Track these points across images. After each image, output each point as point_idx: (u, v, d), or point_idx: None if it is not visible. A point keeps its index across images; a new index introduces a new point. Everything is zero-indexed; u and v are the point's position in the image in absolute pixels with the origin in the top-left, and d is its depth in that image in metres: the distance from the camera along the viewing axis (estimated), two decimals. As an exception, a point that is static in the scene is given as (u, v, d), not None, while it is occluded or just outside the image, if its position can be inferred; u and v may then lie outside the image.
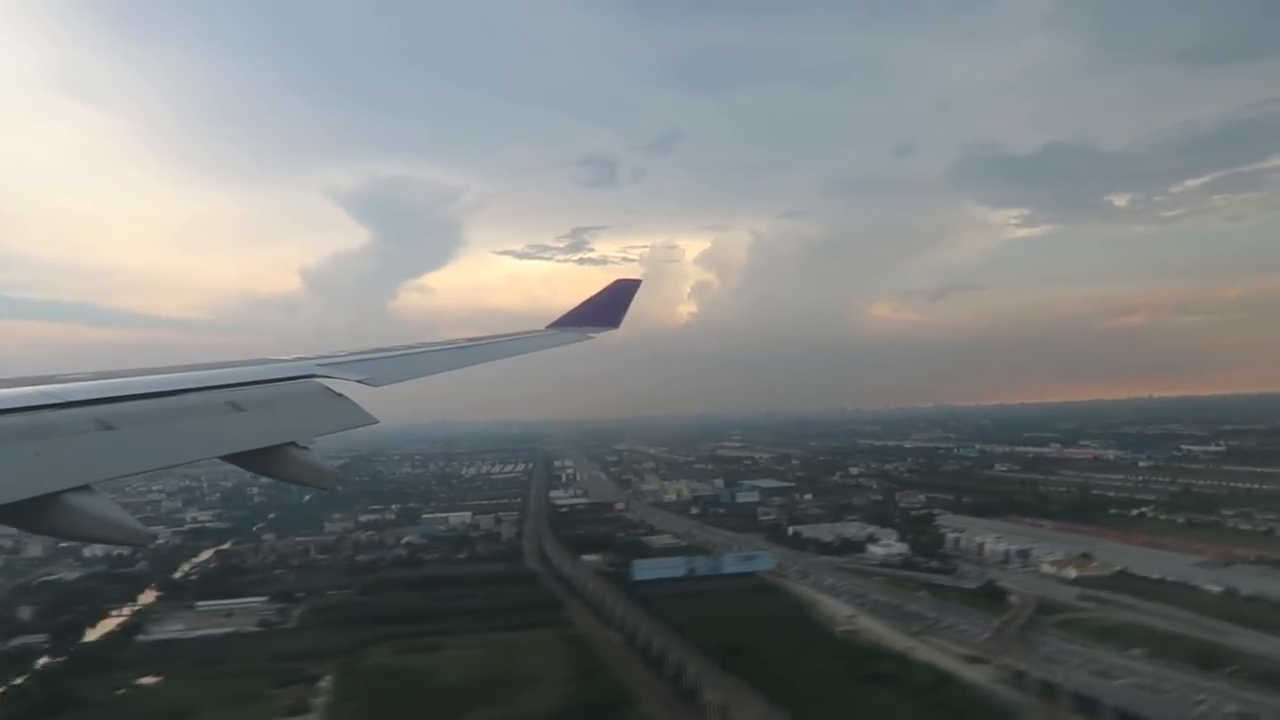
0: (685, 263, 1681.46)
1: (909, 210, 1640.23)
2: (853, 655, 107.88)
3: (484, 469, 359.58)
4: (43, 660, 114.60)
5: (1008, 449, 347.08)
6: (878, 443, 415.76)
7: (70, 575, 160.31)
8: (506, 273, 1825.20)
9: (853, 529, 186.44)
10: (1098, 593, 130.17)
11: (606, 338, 22.07)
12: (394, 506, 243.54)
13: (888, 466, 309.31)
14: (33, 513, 5.68)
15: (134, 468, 6.92)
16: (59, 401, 6.84)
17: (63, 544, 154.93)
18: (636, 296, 23.86)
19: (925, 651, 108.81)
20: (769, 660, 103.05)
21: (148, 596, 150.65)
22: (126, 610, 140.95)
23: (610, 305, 23.01)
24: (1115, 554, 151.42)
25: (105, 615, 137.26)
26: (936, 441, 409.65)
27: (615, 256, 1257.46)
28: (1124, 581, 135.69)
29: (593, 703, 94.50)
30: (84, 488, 5.99)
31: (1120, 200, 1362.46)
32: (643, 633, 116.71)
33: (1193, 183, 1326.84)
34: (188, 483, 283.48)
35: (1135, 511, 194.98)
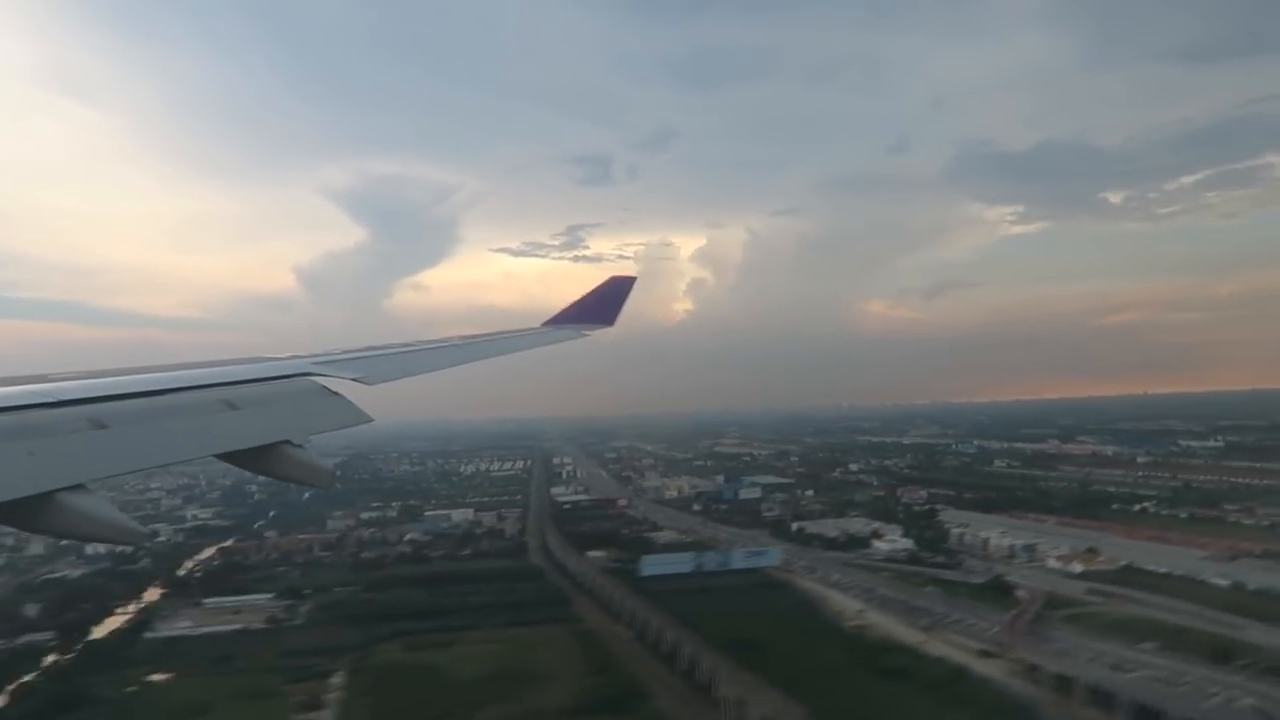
0: (680, 260, 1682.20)
1: (904, 207, 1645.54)
2: (865, 650, 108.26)
3: (483, 466, 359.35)
4: (51, 657, 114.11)
5: (1006, 445, 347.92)
6: (875, 439, 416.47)
7: (73, 573, 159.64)
8: (501, 270, 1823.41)
9: (857, 524, 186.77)
10: (1105, 587, 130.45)
11: (602, 335, 22.07)
12: (395, 503, 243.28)
13: (887, 463, 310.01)
14: (27, 512, 5.64)
15: (128, 466, 6.87)
16: (52, 400, 6.80)
17: (64, 542, 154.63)
18: (632, 294, 23.88)
19: (937, 646, 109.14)
20: (782, 655, 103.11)
21: (152, 594, 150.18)
22: (132, 607, 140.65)
23: (605, 303, 22.96)
24: (1120, 549, 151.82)
25: (111, 612, 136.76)
26: (934, 438, 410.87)
27: (610, 254, 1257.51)
28: (1131, 576, 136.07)
29: (608, 698, 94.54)
30: (78, 486, 5.95)
31: (1114, 197, 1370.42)
32: (653, 628, 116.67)
33: (1187, 180, 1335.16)
34: (186, 480, 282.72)
35: (1137, 507, 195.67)
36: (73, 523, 5.82)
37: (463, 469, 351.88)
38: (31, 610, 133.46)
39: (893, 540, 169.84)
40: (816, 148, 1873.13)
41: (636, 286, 24.21)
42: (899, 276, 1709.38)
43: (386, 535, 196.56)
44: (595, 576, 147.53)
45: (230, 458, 7.84)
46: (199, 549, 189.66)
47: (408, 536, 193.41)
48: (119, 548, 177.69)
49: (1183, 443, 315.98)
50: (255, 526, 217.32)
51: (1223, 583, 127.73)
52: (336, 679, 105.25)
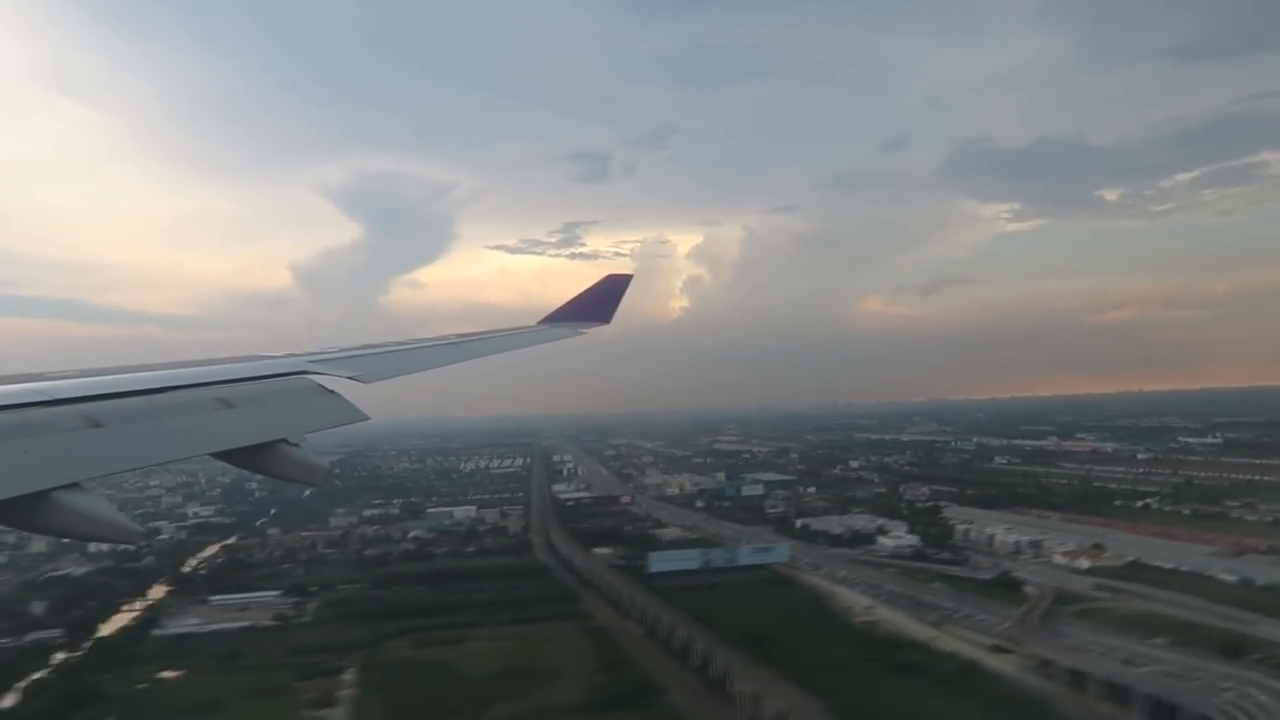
0: (677, 257, 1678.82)
1: (900, 205, 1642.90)
2: (876, 645, 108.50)
3: (482, 464, 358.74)
4: (60, 655, 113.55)
5: (1005, 442, 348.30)
6: (874, 436, 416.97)
7: (77, 570, 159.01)
8: (498, 268, 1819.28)
9: (861, 521, 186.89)
10: (1113, 583, 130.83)
11: (598, 333, 22.06)
12: (396, 501, 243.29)
13: (887, 460, 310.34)
14: (23, 511, 5.62)
15: (124, 465, 6.87)
16: (48, 399, 6.79)
17: (65, 540, 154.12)
18: (628, 291, 23.90)
19: (948, 642, 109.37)
20: (794, 650, 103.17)
21: (157, 591, 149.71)
22: (138, 605, 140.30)
23: (601, 301, 22.97)
24: (1126, 545, 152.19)
25: (116, 610, 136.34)
26: (932, 435, 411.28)
27: (607, 251, 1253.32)
28: (1138, 572, 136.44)
29: (622, 694, 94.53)
30: (74, 485, 5.93)
31: (1110, 195, 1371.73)
32: (664, 624, 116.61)
33: (1182, 177, 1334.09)
34: (185, 478, 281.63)
35: (1140, 503, 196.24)
36: (69, 521, 5.82)
37: (462, 466, 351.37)
38: (38, 608, 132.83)
39: (898, 536, 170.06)
40: (813, 145, 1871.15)
41: (633, 284, 24.30)
42: (895, 274, 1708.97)
43: (390, 532, 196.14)
44: (602, 573, 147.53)
45: (226, 456, 7.85)
46: (202, 546, 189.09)
47: (411, 534, 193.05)
48: (121, 546, 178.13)
49: (1182, 439, 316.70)
50: (257, 524, 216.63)
51: (1230, 578, 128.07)
52: (347, 676, 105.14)
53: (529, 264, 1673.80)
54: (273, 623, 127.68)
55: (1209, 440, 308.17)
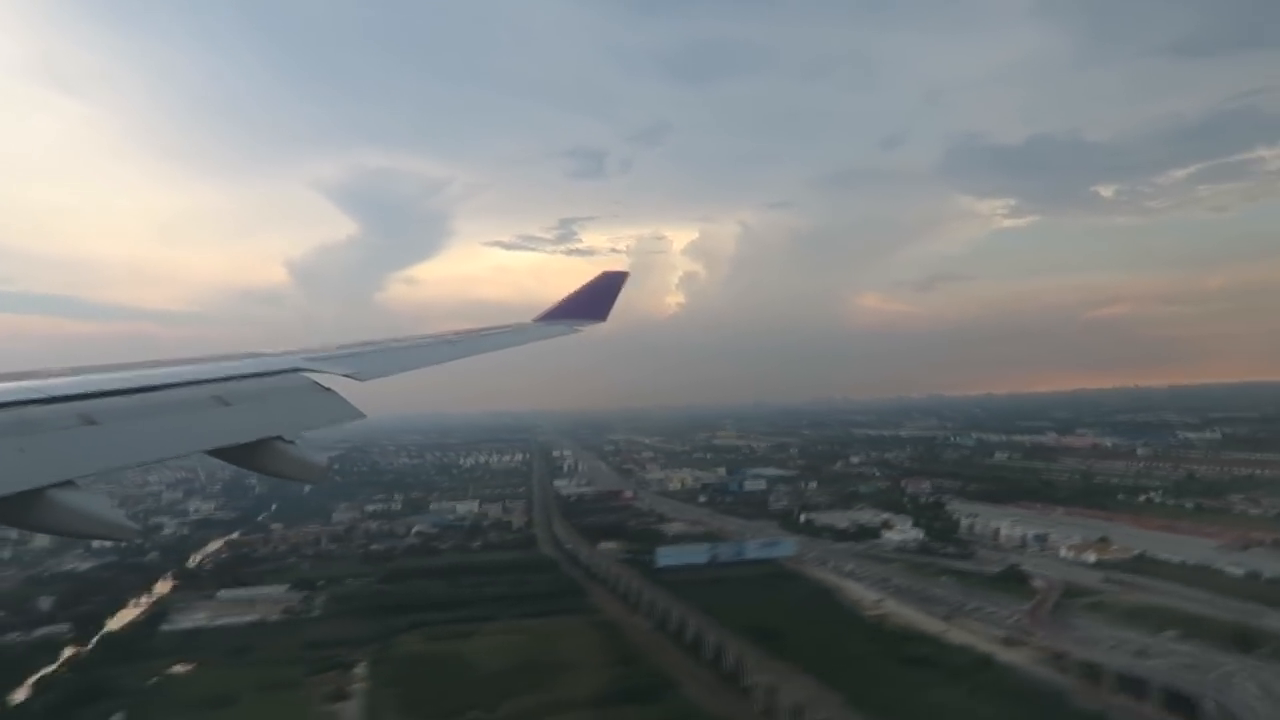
0: (673, 253, 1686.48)
1: (896, 201, 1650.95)
2: (888, 639, 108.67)
3: (481, 459, 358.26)
4: (68, 650, 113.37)
5: (1004, 437, 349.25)
6: (873, 432, 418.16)
7: (81, 566, 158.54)
8: (494, 264, 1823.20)
9: (865, 516, 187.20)
10: (1121, 576, 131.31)
11: (594, 329, 22.07)
12: (397, 496, 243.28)
13: (887, 455, 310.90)
14: (18, 509, 5.64)
15: (119, 463, 6.87)
16: (43, 397, 6.81)
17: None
18: (624, 288, 23.86)
19: (959, 635, 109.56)
20: (806, 644, 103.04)
21: (163, 586, 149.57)
22: (144, 600, 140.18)
23: (597, 298, 22.91)
24: (1131, 538, 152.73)
25: (123, 605, 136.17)
26: (931, 430, 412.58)
27: (603, 247, 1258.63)
28: (1145, 565, 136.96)
29: (636, 688, 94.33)
30: (69, 483, 5.94)
31: (1106, 191, 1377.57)
32: (674, 618, 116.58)
33: (1178, 173, 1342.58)
34: (184, 474, 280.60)
35: (1143, 497, 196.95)
36: (64, 519, 5.83)
37: (462, 462, 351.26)
38: (44, 603, 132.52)
39: (903, 531, 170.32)
40: (810, 142, 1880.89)
41: (629, 280, 24.28)
42: (892, 270, 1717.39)
43: (394, 527, 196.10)
44: (609, 567, 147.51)
45: (222, 454, 7.85)
46: (205, 542, 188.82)
47: (416, 529, 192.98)
48: (124, 541, 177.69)
49: (1180, 434, 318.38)
50: (259, 519, 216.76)
51: (1237, 571, 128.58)
52: (359, 670, 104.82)
53: (525, 260, 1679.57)
54: (281, 617, 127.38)
55: (1207, 435, 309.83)
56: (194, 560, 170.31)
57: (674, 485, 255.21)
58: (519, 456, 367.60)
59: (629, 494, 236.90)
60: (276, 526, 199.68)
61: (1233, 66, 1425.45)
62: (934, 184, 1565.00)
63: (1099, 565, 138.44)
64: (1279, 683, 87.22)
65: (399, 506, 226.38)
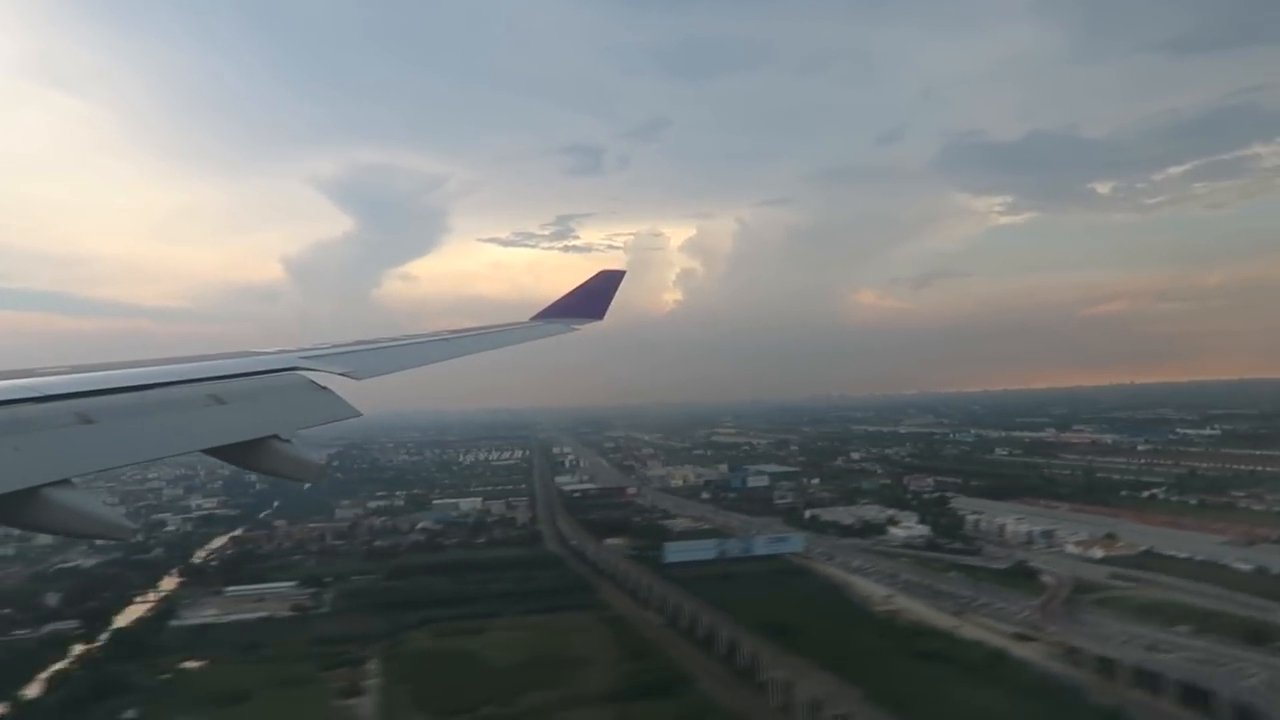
0: (670, 250, 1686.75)
1: (893, 198, 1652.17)
2: (900, 634, 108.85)
3: (481, 456, 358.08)
4: (78, 646, 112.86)
5: (1003, 434, 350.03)
6: (871, 428, 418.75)
7: (86, 562, 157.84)
8: (491, 260, 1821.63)
9: (870, 512, 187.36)
10: (1129, 572, 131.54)
11: (591, 327, 22.12)
12: (399, 493, 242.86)
13: (888, 451, 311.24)
14: (14, 507, 5.61)
15: (115, 462, 6.83)
16: (38, 395, 6.78)
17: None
18: (621, 285, 23.89)
19: (970, 630, 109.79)
20: (819, 639, 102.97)
21: (169, 583, 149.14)
22: (151, 596, 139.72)
23: (594, 296, 22.94)
24: (1137, 534, 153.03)
25: (130, 601, 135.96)
26: (930, 427, 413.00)
27: (600, 244, 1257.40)
28: (1152, 561, 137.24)
29: (651, 683, 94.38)
30: (65, 482, 5.93)
31: (1102, 188, 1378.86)
32: (685, 613, 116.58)
33: (1174, 170, 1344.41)
34: (184, 470, 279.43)
35: (1146, 493, 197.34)
36: (59, 518, 5.81)
37: (462, 459, 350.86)
38: (51, 599, 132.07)
39: (909, 527, 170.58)
40: (806, 138, 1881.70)
41: (626, 277, 24.30)
42: (888, 267, 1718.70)
43: (398, 524, 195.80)
44: (617, 563, 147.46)
45: (218, 453, 7.82)
46: (208, 538, 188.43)
47: (420, 525, 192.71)
48: (121, 541, 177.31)
49: (1180, 431, 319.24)
50: (262, 516, 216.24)
51: (1245, 567, 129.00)
52: (371, 666, 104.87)
53: (522, 257, 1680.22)
54: (291, 613, 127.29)
55: (1207, 432, 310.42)
56: (199, 556, 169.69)
57: (676, 481, 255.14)
58: (519, 453, 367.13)
59: (632, 490, 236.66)
60: (280, 523, 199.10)
61: (1230, 63, 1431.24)
62: (931, 180, 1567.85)
63: (1106, 561, 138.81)
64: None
65: (401, 503, 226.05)
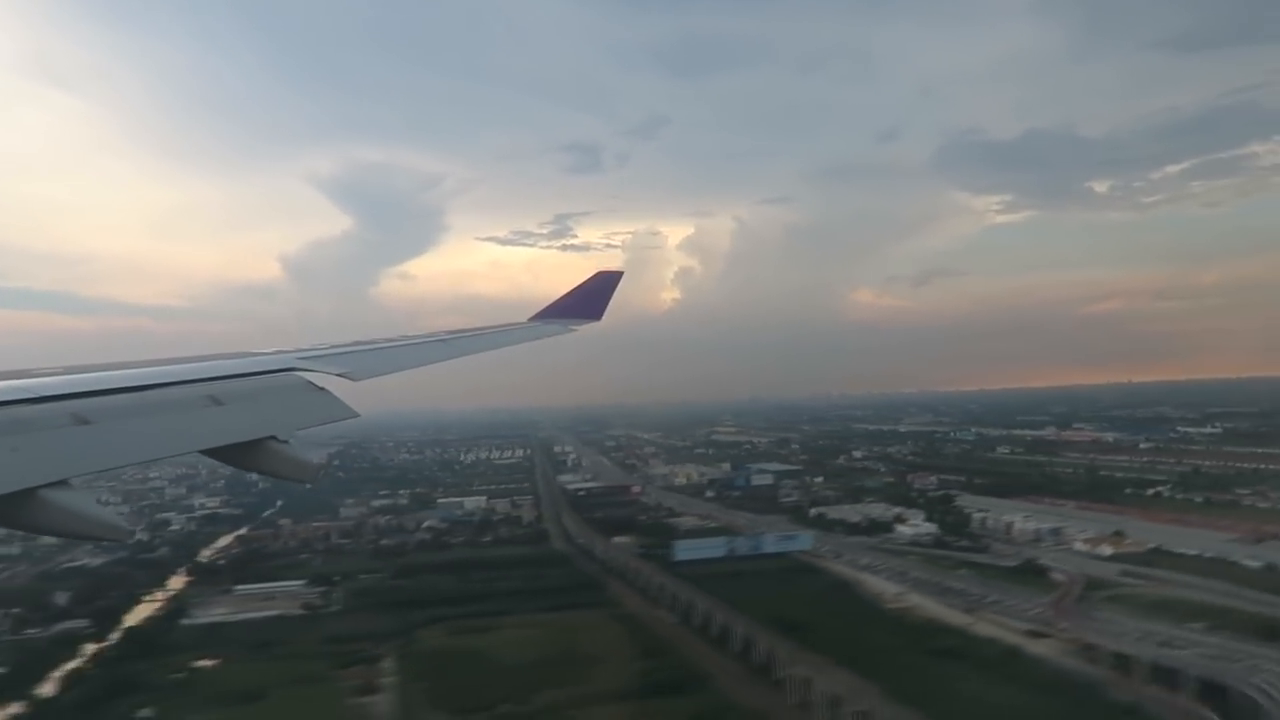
0: (668, 249, 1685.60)
1: (891, 196, 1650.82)
2: (914, 631, 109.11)
3: (482, 455, 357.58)
4: (89, 645, 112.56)
5: (1003, 432, 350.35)
6: (871, 427, 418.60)
7: (93, 561, 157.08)
8: (489, 259, 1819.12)
9: (877, 510, 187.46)
10: (1138, 569, 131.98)
11: (589, 326, 22.14)
12: (402, 492, 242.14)
13: (889, 450, 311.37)
14: (10, 509, 5.58)
15: (112, 463, 6.79)
16: (35, 396, 6.77)
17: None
18: (619, 285, 23.91)
19: (983, 627, 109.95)
20: (832, 636, 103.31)
21: (177, 581, 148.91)
22: (159, 595, 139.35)
23: (592, 297, 22.92)
24: (1144, 532, 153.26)
25: (138, 600, 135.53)
26: (930, 425, 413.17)
27: (598, 242, 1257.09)
28: (1161, 558, 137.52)
29: (667, 680, 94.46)
30: (62, 483, 5.89)
31: (1100, 186, 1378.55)
32: (698, 611, 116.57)
33: (1172, 169, 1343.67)
34: (185, 469, 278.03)
35: (1151, 491, 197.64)
36: (56, 519, 5.76)
37: (463, 457, 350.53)
38: (60, 598, 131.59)
39: (916, 525, 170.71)
40: (805, 137, 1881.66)
41: (624, 275, 24.32)
42: (887, 265, 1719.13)
43: (402, 523, 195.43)
44: (626, 561, 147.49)
45: (216, 454, 7.79)
46: (213, 537, 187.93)
47: (425, 524, 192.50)
48: (134, 536, 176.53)
49: (1180, 429, 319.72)
50: (265, 515, 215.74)
51: (1254, 564, 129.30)
52: (385, 664, 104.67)
53: (520, 255, 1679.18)
54: (301, 612, 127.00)
55: (1208, 430, 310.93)
56: (205, 555, 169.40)
57: (679, 480, 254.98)
58: (520, 452, 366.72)
59: (637, 488, 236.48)
60: (285, 522, 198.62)
61: (1227, 62, 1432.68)
62: (929, 179, 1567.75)
63: (1115, 558, 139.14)
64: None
65: (405, 502, 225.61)
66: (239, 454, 7.84)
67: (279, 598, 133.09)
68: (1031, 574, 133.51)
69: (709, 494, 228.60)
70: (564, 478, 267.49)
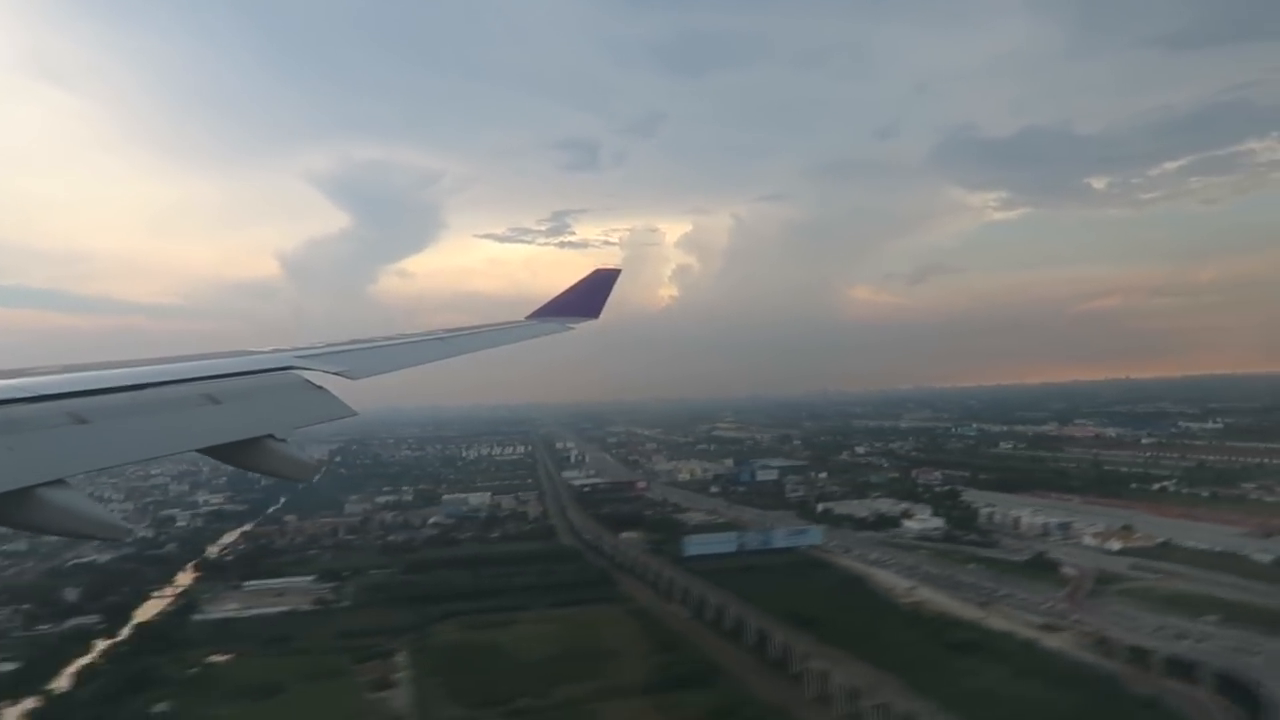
0: (666, 246, 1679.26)
1: (889, 193, 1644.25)
2: (929, 625, 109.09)
3: (484, 451, 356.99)
4: (100, 641, 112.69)
5: (1004, 428, 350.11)
6: (872, 423, 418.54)
7: (101, 558, 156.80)
8: (487, 256, 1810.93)
9: (883, 505, 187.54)
10: (1149, 563, 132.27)
11: (587, 323, 22.23)
12: (406, 488, 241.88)
13: (891, 446, 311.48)
14: (7, 507, 5.61)
15: (109, 461, 6.83)
16: (32, 395, 6.78)
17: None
18: (617, 281, 23.96)
19: (997, 621, 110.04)
20: (848, 630, 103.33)
21: (185, 577, 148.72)
22: (168, 591, 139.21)
23: (590, 295, 22.99)
24: (1153, 526, 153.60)
25: (147, 596, 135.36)
26: (929, 421, 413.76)
27: (596, 240, 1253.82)
28: (1171, 552, 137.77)
29: (685, 674, 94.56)
30: (59, 482, 5.92)
31: (1097, 183, 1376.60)
32: (711, 605, 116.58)
33: (1169, 166, 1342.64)
34: (187, 466, 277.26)
35: (1156, 486, 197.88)
36: (53, 518, 5.80)
37: (465, 454, 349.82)
38: (70, 594, 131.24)
39: (923, 520, 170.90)
40: (803, 134, 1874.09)
41: (622, 273, 24.35)
42: (884, 262, 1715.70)
43: (409, 519, 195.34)
44: (636, 556, 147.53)
45: (213, 452, 7.82)
46: (219, 533, 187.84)
47: (432, 520, 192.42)
48: (140, 532, 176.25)
49: (1182, 425, 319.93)
50: (270, 511, 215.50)
51: (1265, 558, 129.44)
52: (400, 659, 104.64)
53: (518, 252, 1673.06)
54: (313, 607, 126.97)
55: (1209, 426, 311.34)
56: (212, 551, 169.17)
57: (684, 476, 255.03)
58: (521, 449, 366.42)
59: (642, 484, 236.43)
60: (290, 518, 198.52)
61: (1224, 59, 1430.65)
62: (926, 176, 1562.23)
63: (1125, 552, 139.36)
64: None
65: (410, 498, 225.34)
66: (236, 453, 7.89)
67: (290, 593, 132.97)
68: (1042, 568, 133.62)
69: (713, 489, 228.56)
70: (568, 474, 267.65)
